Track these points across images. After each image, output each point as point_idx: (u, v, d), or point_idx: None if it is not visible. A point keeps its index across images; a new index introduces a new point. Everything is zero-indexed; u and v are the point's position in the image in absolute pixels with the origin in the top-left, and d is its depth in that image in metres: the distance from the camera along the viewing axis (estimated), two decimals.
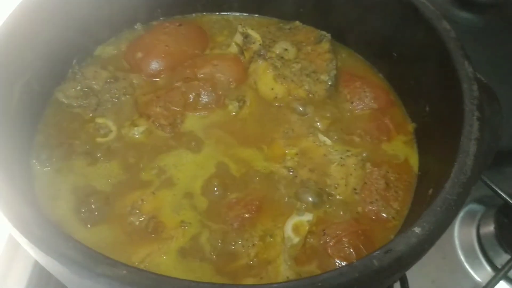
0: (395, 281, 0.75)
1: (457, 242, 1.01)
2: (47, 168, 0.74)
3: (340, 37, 0.95)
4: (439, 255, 0.99)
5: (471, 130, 0.62)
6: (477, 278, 0.95)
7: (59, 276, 0.57)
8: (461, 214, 1.05)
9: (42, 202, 0.70)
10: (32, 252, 0.55)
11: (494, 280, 0.89)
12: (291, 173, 0.76)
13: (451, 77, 0.70)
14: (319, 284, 0.49)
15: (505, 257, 0.94)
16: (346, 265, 0.51)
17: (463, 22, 1.15)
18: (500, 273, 0.89)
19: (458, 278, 0.96)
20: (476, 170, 0.59)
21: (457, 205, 0.56)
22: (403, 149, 0.81)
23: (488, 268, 0.96)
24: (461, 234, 1.02)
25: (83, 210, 0.69)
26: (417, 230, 0.53)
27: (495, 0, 1.13)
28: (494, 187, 0.99)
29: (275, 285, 0.48)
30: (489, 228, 0.99)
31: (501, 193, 0.98)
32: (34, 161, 0.74)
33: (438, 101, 0.75)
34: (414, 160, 0.79)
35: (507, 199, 0.98)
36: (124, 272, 0.47)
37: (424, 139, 0.80)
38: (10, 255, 0.81)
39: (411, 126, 0.83)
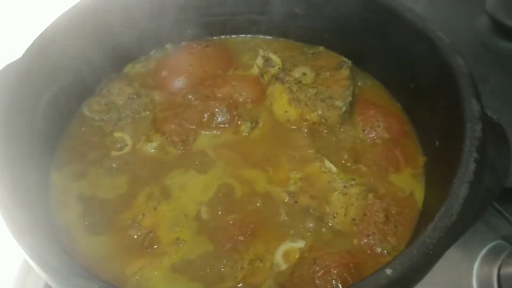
0: None
1: (475, 280, 0.97)
2: (62, 177, 0.80)
3: (362, 64, 0.95)
4: None
5: (465, 172, 0.60)
6: None
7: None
8: (483, 251, 1.00)
9: (53, 208, 0.76)
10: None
11: None
12: (292, 197, 0.77)
13: (458, 115, 0.68)
14: None
15: None
16: None
17: (503, 52, 1.10)
18: None
19: None
20: (465, 215, 0.57)
21: (436, 250, 0.54)
22: (410, 183, 0.79)
23: None
24: (481, 272, 0.97)
25: (87, 219, 0.75)
26: (388, 271, 0.52)
27: None
28: None
29: None
30: (509, 270, 0.94)
31: None
32: (53, 170, 0.80)
33: (446, 138, 0.73)
34: (419, 195, 0.77)
35: None
36: (96, 286, 0.51)
37: (432, 175, 0.78)
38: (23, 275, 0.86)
39: (422, 159, 0.81)
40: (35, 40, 0.79)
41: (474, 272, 0.98)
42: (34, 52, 0.77)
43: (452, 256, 0.99)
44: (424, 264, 0.53)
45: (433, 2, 1.22)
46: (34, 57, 0.77)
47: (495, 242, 1.01)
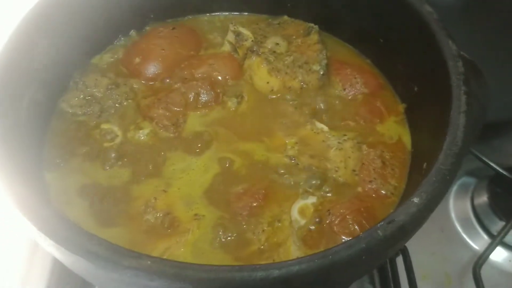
0: (397, 250, 0.79)
1: (453, 214, 1.06)
2: (58, 176, 0.77)
3: (327, 27, 0.99)
4: (437, 228, 1.05)
5: (459, 104, 0.66)
6: (475, 247, 1.00)
7: (85, 273, 0.61)
8: (454, 188, 1.11)
9: (58, 209, 0.72)
10: (57, 253, 0.58)
11: (491, 247, 0.94)
12: (293, 161, 0.80)
13: (436, 57, 0.74)
14: (330, 257, 0.53)
15: (500, 224, 0.99)
16: (353, 238, 0.55)
17: (441, 4, 1.19)
18: (496, 239, 0.94)
19: (457, 248, 1.01)
20: (466, 141, 0.64)
21: (451, 175, 0.60)
22: (395, 129, 0.85)
23: (485, 236, 1.01)
24: (456, 206, 1.08)
25: (97, 212, 0.73)
26: (416, 200, 0.57)
27: None
28: (484, 159, 1.04)
29: (289, 262, 0.52)
30: (483, 199, 1.04)
31: (492, 164, 1.04)
32: (46, 170, 0.77)
33: (426, 81, 0.79)
34: (406, 138, 0.84)
35: (498, 170, 1.03)
36: (149, 262, 0.51)
37: (414, 118, 0.84)
38: (29, 260, 0.84)
39: (401, 107, 0.88)
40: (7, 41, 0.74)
41: (451, 207, 1.08)
42: (7, 53, 0.73)
43: None
44: (443, 188, 0.59)
45: None
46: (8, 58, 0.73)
47: (463, 178, 1.12)
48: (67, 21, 0.86)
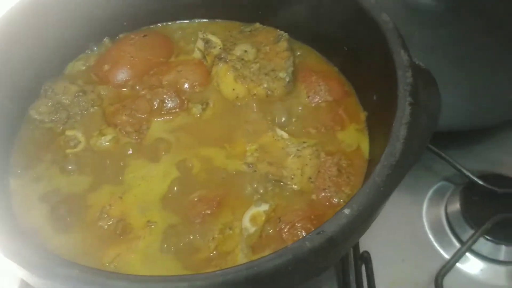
0: (337, 259, 0.79)
1: (425, 221, 1.06)
2: (22, 183, 0.80)
3: (297, 35, 1.00)
4: (408, 235, 1.04)
5: (402, 115, 0.66)
6: (446, 255, 0.99)
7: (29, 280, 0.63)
8: (429, 194, 1.10)
9: (19, 215, 0.75)
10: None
11: (459, 253, 0.94)
12: (250, 167, 0.81)
13: (389, 66, 0.74)
14: (255, 268, 0.53)
15: (471, 232, 0.98)
16: (281, 249, 0.55)
17: (421, 8, 1.19)
18: (462, 248, 0.93)
19: (427, 255, 1.00)
20: (407, 153, 0.64)
21: (387, 187, 0.60)
22: (355, 137, 0.85)
23: (457, 244, 1.00)
24: (429, 213, 1.07)
25: (55, 218, 0.75)
26: (346, 211, 0.57)
27: None
28: (457, 165, 1.04)
29: (214, 272, 0.53)
30: (456, 206, 1.03)
31: (465, 171, 1.03)
32: (11, 177, 0.80)
33: (382, 90, 0.79)
34: (365, 146, 0.84)
35: (470, 177, 1.02)
36: (77, 271, 0.53)
37: (373, 127, 0.84)
38: None
39: (363, 115, 0.88)
40: None
41: (424, 213, 1.08)
42: None
43: (402, 202, 1.08)
44: (377, 200, 0.59)
45: None
46: None
47: (438, 184, 1.11)
48: (40, 28, 0.88)
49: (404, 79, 0.70)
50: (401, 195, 1.13)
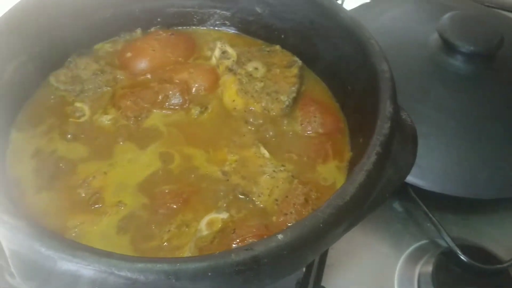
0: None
1: (397, 275, 1.05)
2: (22, 136, 0.88)
3: (312, 64, 1.03)
4: (376, 284, 1.04)
5: (366, 162, 0.68)
6: None
7: None
8: (409, 250, 1.10)
9: (9, 164, 0.83)
10: None
11: None
12: (224, 176, 0.85)
13: (375, 114, 0.76)
14: (178, 264, 0.57)
15: None
16: (208, 254, 0.59)
17: (448, 67, 1.19)
18: None
19: None
20: (362, 199, 0.66)
21: (326, 225, 0.62)
22: (334, 174, 0.87)
23: None
24: (404, 268, 1.06)
25: (40, 175, 0.82)
26: (279, 236, 0.60)
27: (482, 51, 1.16)
28: (441, 229, 1.03)
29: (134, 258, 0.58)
30: (428, 269, 1.02)
31: (445, 236, 1.02)
32: (13, 129, 0.88)
33: (365, 136, 0.81)
34: (340, 185, 0.85)
35: (449, 243, 1.01)
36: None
37: (352, 168, 0.86)
38: None
39: (348, 155, 0.90)
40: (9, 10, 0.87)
41: (398, 267, 1.07)
42: (5, 20, 0.85)
43: (381, 250, 1.08)
44: (312, 234, 0.61)
45: (393, 20, 1.32)
46: (5, 24, 0.85)
47: (421, 243, 1.11)
48: (74, 6, 0.97)
49: (381, 129, 0.72)
50: (384, 243, 1.13)
